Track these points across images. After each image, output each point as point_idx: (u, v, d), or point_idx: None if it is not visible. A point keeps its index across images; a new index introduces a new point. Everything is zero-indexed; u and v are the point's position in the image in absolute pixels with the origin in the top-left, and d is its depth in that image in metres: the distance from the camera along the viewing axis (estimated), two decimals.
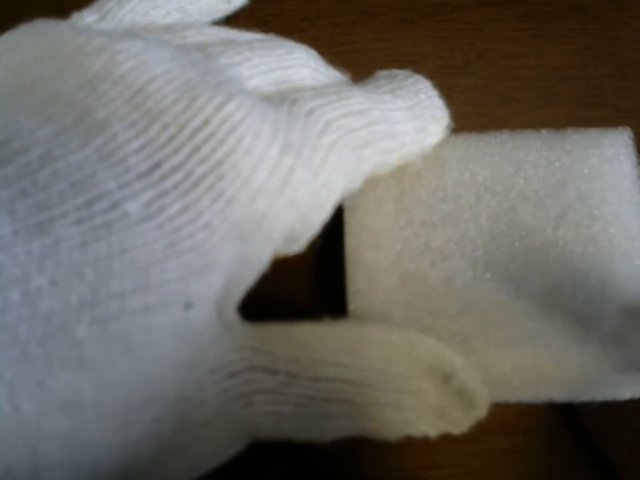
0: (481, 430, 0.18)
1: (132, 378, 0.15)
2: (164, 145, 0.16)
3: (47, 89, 0.16)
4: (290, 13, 0.28)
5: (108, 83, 0.16)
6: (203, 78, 0.17)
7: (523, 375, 0.20)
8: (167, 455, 0.16)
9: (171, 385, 0.16)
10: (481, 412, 0.18)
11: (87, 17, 0.20)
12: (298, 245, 0.19)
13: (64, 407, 0.14)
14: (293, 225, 0.18)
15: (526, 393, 0.20)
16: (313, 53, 0.21)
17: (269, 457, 0.20)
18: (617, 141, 0.22)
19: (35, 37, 0.18)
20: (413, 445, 0.19)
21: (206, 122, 0.16)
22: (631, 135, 0.23)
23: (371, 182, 0.21)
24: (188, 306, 0.15)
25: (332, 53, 0.21)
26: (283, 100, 0.18)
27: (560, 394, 0.20)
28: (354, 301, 0.21)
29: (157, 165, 0.15)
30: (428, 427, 0.18)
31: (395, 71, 0.22)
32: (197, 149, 0.16)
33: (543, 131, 0.23)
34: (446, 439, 0.18)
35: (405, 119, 0.21)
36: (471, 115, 0.26)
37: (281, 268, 0.19)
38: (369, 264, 0.21)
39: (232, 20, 0.23)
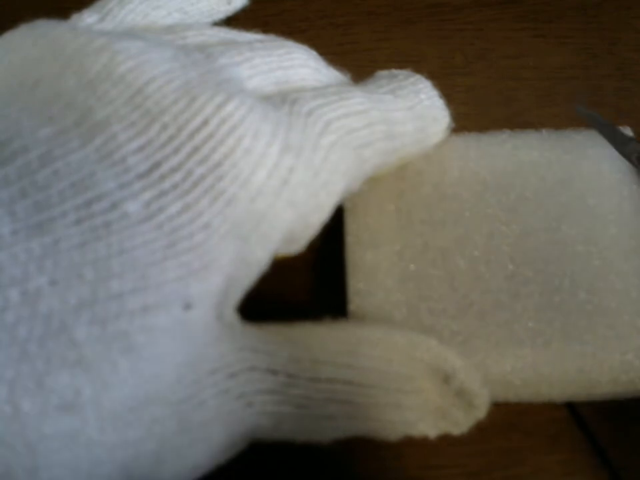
0: (480, 430, 0.18)
1: (131, 378, 0.15)
2: (164, 145, 0.16)
3: (47, 89, 0.16)
4: (290, 13, 0.28)
5: (108, 83, 0.16)
6: (203, 78, 0.17)
7: (523, 374, 0.20)
8: (166, 455, 0.16)
9: (170, 385, 0.16)
10: (481, 412, 0.18)
11: (87, 18, 0.20)
12: (298, 245, 0.19)
13: (63, 407, 0.14)
14: (292, 225, 0.18)
15: (526, 392, 0.20)
16: (313, 53, 0.21)
17: (269, 457, 0.20)
18: None
19: (36, 37, 0.18)
20: (413, 445, 0.19)
21: (205, 122, 0.16)
22: (631, 134, 0.23)
23: (371, 182, 0.21)
24: (187, 306, 0.15)
25: (332, 53, 0.21)
26: (283, 100, 0.18)
27: (560, 394, 0.20)
28: (354, 300, 0.21)
29: (157, 165, 0.15)
30: (428, 427, 0.18)
31: (395, 71, 0.22)
32: (196, 149, 0.16)
33: (543, 131, 0.23)
34: (446, 439, 0.19)
35: (405, 119, 0.21)
36: (471, 114, 0.26)
37: (280, 268, 0.19)
38: (369, 264, 0.21)
39: (232, 20, 0.23)
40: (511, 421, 0.21)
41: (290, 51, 0.20)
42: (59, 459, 0.14)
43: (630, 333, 0.20)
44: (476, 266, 0.21)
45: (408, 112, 0.21)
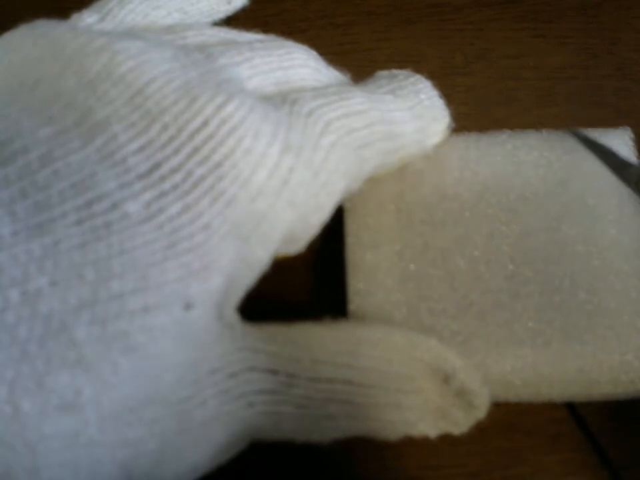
0: (480, 430, 0.19)
1: (132, 378, 0.15)
2: (164, 145, 0.16)
3: (47, 90, 0.16)
4: (290, 13, 0.28)
5: (108, 83, 0.16)
6: (203, 78, 0.17)
7: (523, 374, 0.20)
8: (167, 455, 0.16)
9: (170, 385, 0.16)
10: (481, 412, 0.18)
11: (87, 18, 0.20)
12: (298, 245, 0.19)
13: (63, 407, 0.14)
14: (293, 225, 0.18)
15: (526, 392, 0.20)
16: (313, 53, 0.21)
17: (269, 457, 0.20)
18: (617, 141, 0.22)
19: (36, 37, 0.18)
20: (413, 445, 0.19)
21: (206, 122, 0.16)
22: (631, 134, 0.23)
23: (371, 182, 0.21)
24: (188, 306, 0.15)
25: (332, 53, 0.21)
26: (283, 100, 0.18)
27: (560, 394, 0.20)
28: (354, 300, 0.21)
29: (157, 166, 0.15)
30: (428, 427, 0.18)
31: (395, 71, 0.22)
32: (196, 149, 0.16)
33: (543, 131, 0.23)
34: (446, 439, 0.19)
35: (405, 119, 0.21)
36: (471, 114, 0.26)
37: (280, 268, 0.19)
38: (369, 264, 0.21)
39: (232, 20, 0.23)
40: (510, 421, 0.21)
41: (290, 51, 0.20)
42: (59, 459, 0.14)
43: (630, 333, 0.20)
44: (476, 266, 0.21)
45: (408, 112, 0.21)
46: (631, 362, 0.20)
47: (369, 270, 0.21)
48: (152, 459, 0.16)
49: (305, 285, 0.23)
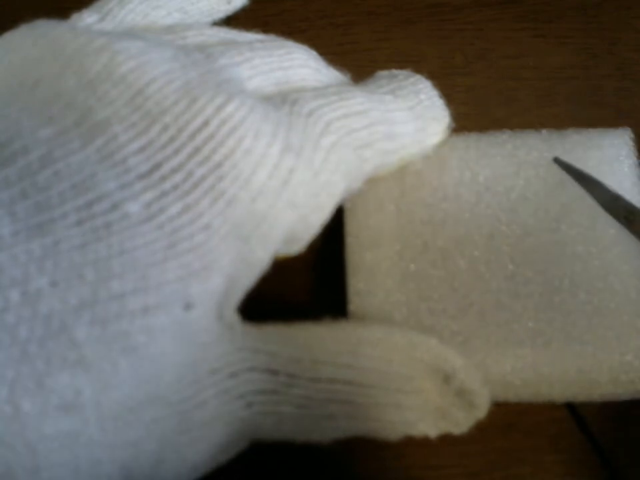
0: (481, 430, 0.19)
1: (132, 378, 0.15)
2: (164, 145, 0.16)
3: (47, 90, 0.16)
4: (290, 13, 0.28)
5: (108, 83, 0.16)
6: (203, 78, 0.17)
7: (523, 374, 0.20)
8: (167, 455, 0.16)
9: (170, 386, 0.16)
10: (482, 412, 0.18)
11: (87, 18, 0.20)
12: (298, 246, 0.19)
13: (64, 407, 0.14)
14: (293, 225, 0.18)
15: (526, 392, 0.20)
16: (313, 53, 0.21)
17: (269, 457, 0.20)
18: (617, 141, 0.22)
19: (36, 37, 0.18)
20: (412, 445, 0.19)
21: (206, 123, 0.16)
22: (631, 135, 0.23)
23: (372, 182, 0.21)
24: (188, 307, 0.15)
25: (332, 53, 0.21)
26: (283, 100, 0.18)
27: (560, 394, 0.20)
28: (354, 301, 0.21)
29: (157, 166, 0.15)
30: (428, 427, 0.18)
31: (395, 71, 0.22)
32: (197, 149, 0.16)
33: (543, 131, 0.23)
34: (446, 439, 0.19)
35: (405, 119, 0.21)
36: (471, 114, 0.26)
37: (280, 268, 0.19)
38: (369, 264, 0.21)
39: (232, 20, 0.23)
40: (510, 421, 0.21)
41: (290, 51, 0.20)
42: (59, 459, 0.14)
43: (630, 333, 0.20)
44: (476, 266, 0.21)
45: (408, 112, 0.21)
46: (631, 362, 0.20)
47: (368, 270, 0.21)
48: (152, 458, 0.16)
49: (305, 285, 0.23)
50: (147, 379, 0.15)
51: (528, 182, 0.22)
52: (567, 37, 0.27)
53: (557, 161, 0.21)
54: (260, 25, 0.21)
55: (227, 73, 0.18)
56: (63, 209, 0.14)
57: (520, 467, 0.21)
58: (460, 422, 0.18)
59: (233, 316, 0.17)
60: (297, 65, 0.20)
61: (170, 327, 0.15)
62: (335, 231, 0.22)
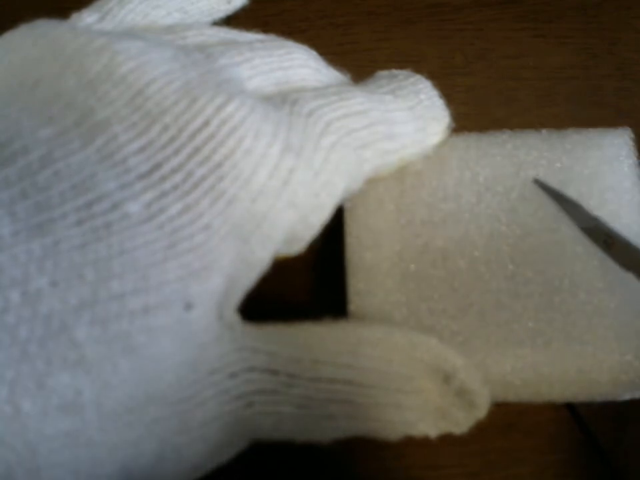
0: (480, 430, 0.18)
1: (132, 378, 0.15)
2: (164, 145, 0.16)
3: (47, 90, 0.16)
4: (290, 13, 0.28)
5: (108, 83, 0.16)
6: (203, 78, 0.17)
7: (523, 374, 0.20)
8: (167, 455, 0.16)
9: (170, 386, 0.16)
10: (482, 412, 0.18)
11: (87, 17, 0.20)
12: (299, 246, 0.19)
13: (64, 407, 0.14)
14: (293, 225, 0.18)
15: (526, 392, 0.20)
16: (313, 53, 0.21)
17: (269, 457, 0.20)
18: (617, 141, 0.22)
19: (36, 37, 0.18)
20: (412, 445, 0.19)
21: (206, 123, 0.16)
22: (631, 134, 0.23)
23: (372, 182, 0.21)
24: (188, 307, 0.15)
25: (332, 53, 0.21)
26: (283, 100, 0.18)
27: (560, 394, 0.20)
28: (354, 300, 0.21)
29: (158, 166, 0.15)
30: (429, 427, 0.18)
31: (395, 71, 0.22)
32: (197, 149, 0.16)
33: (543, 131, 0.23)
34: (446, 439, 0.19)
35: (405, 119, 0.21)
36: (471, 114, 0.26)
37: (281, 268, 0.19)
38: (369, 264, 0.21)
39: (232, 20, 0.23)
40: (510, 421, 0.21)
41: (290, 51, 0.20)
42: (59, 459, 0.14)
43: (630, 333, 0.20)
44: (476, 266, 0.21)
45: (408, 112, 0.21)
46: (631, 362, 0.20)
47: (368, 270, 0.21)
48: (152, 459, 0.16)
49: (305, 285, 0.23)
50: (147, 378, 0.15)
51: (528, 182, 0.22)
52: (567, 36, 0.27)
53: (537, 181, 0.21)
54: (260, 25, 0.21)
55: (227, 73, 0.18)
56: (63, 208, 0.14)
57: (520, 467, 0.21)
58: (460, 422, 0.18)
59: (233, 316, 0.17)
60: (297, 64, 0.20)
61: (170, 327, 0.15)
62: (335, 231, 0.22)
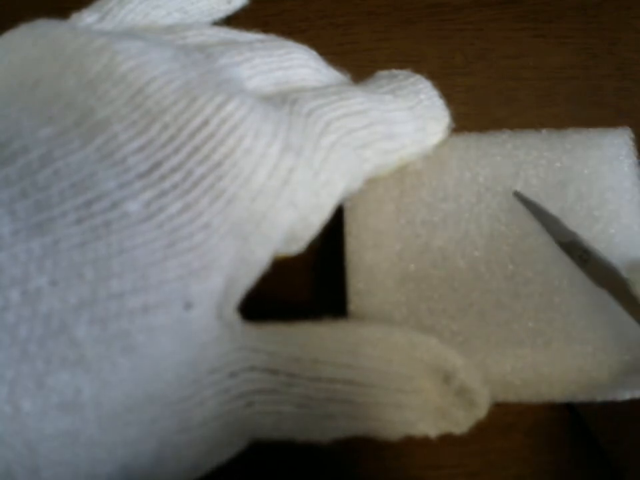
0: (480, 430, 0.18)
1: (131, 377, 0.15)
2: (164, 144, 0.16)
3: (47, 89, 0.16)
4: (290, 13, 0.28)
5: (108, 83, 0.16)
6: (203, 78, 0.17)
7: (523, 374, 0.20)
8: (166, 455, 0.16)
9: (170, 385, 0.16)
10: (482, 411, 0.18)
11: (87, 17, 0.20)
12: (298, 245, 0.19)
13: (63, 407, 0.14)
14: (293, 225, 0.18)
15: (526, 392, 0.20)
16: (313, 53, 0.21)
17: (269, 457, 0.20)
18: (617, 140, 0.22)
19: (36, 37, 0.18)
20: (412, 445, 0.19)
21: (206, 122, 0.16)
22: (631, 134, 0.23)
23: (371, 182, 0.21)
24: (188, 306, 0.15)
25: (332, 53, 0.21)
26: (283, 100, 0.18)
27: (560, 394, 0.20)
28: (354, 300, 0.21)
29: (157, 165, 0.15)
30: (429, 426, 0.18)
31: (395, 71, 0.22)
32: (196, 148, 0.16)
33: (543, 131, 0.23)
34: (446, 439, 0.19)
35: (405, 119, 0.21)
36: (471, 114, 0.26)
37: (280, 268, 0.19)
38: (369, 264, 0.21)
39: (232, 20, 0.23)
40: (510, 421, 0.21)
41: (290, 51, 0.20)
42: (59, 458, 0.14)
43: (629, 333, 0.20)
44: (476, 266, 0.21)
45: (408, 112, 0.21)
46: (631, 362, 0.20)
47: (368, 270, 0.21)
48: (151, 458, 0.16)
49: (305, 285, 0.23)
50: (147, 378, 0.15)
51: (528, 182, 0.22)
52: (567, 36, 0.27)
53: (516, 194, 0.21)
54: (260, 25, 0.21)
55: (226, 72, 0.18)
56: (63, 207, 0.14)
57: (520, 467, 0.21)
58: (460, 422, 0.18)
59: (232, 315, 0.17)
60: (297, 64, 0.20)
61: (170, 326, 0.15)
62: (335, 231, 0.22)
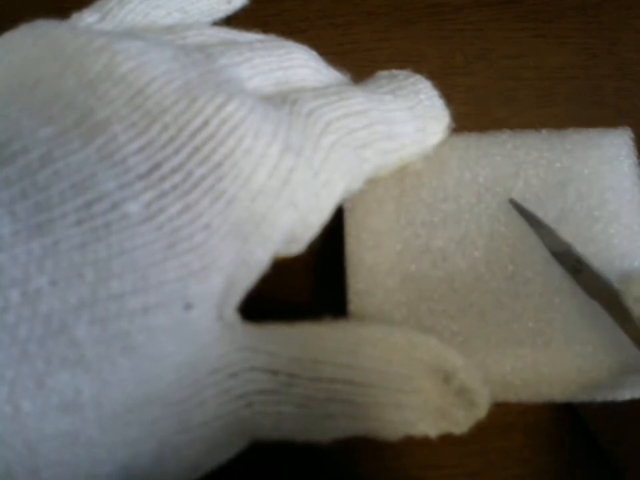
0: (480, 430, 0.19)
1: (131, 378, 0.15)
2: (164, 145, 0.16)
3: (47, 90, 0.16)
4: (290, 13, 0.28)
5: (108, 83, 0.16)
6: (203, 78, 0.17)
7: (523, 374, 0.20)
8: (166, 455, 0.16)
9: (170, 385, 0.16)
10: (482, 411, 0.18)
11: (87, 17, 0.20)
12: (298, 246, 0.19)
13: (63, 407, 0.14)
14: (293, 225, 0.18)
15: (526, 392, 0.20)
16: (313, 53, 0.21)
17: (269, 457, 0.20)
18: (617, 140, 0.22)
19: (36, 38, 0.18)
20: (412, 445, 0.19)
21: (206, 122, 0.16)
22: (631, 134, 0.23)
23: (371, 182, 0.21)
24: (188, 306, 0.15)
25: (332, 53, 0.21)
26: (283, 100, 0.18)
27: (560, 394, 0.20)
28: (354, 301, 0.21)
29: (157, 166, 0.15)
30: (429, 426, 0.18)
31: (395, 71, 0.22)
32: (197, 149, 0.16)
33: (543, 131, 0.23)
34: (446, 439, 0.19)
35: (405, 119, 0.21)
36: (471, 114, 0.26)
37: (281, 268, 0.19)
38: (369, 264, 0.21)
39: (232, 20, 0.23)
40: (510, 421, 0.21)
41: (290, 51, 0.20)
42: (59, 458, 0.14)
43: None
44: (476, 266, 0.21)
45: (408, 112, 0.21)
46: (631, 362, 0.20)
47: (368, 270, 0.21)
48: (151, 458, 0.16)
49: (306, 285, 0.23)
50: (147, 378, 0.15)
51: (528, 182, 0.22)
52: (567, 36, 0.27)
53: (512, 202, 0.21)
54: (260, 25, 0.21)
55: (227, 72, 0.18)
56: (63, 208, 0.14)
57: (520, 467, 0.21)
58: (460, 421, 0.18)
59: (233, 316, 0.17)
60: (297, 65, 0.20)
61: (170, 327, 0.15)
62: (335, 231, 0.22)
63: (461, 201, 0.22)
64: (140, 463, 0.16)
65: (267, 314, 0.18)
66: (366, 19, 0.28)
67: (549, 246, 0.21)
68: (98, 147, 0.15)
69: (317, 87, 0.20)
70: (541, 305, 0.20)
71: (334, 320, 0.19)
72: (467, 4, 0.28)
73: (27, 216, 0.14)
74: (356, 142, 0.19)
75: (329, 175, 0.18)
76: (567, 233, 0.21)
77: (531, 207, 0.22)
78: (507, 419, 0.21)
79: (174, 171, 0.15)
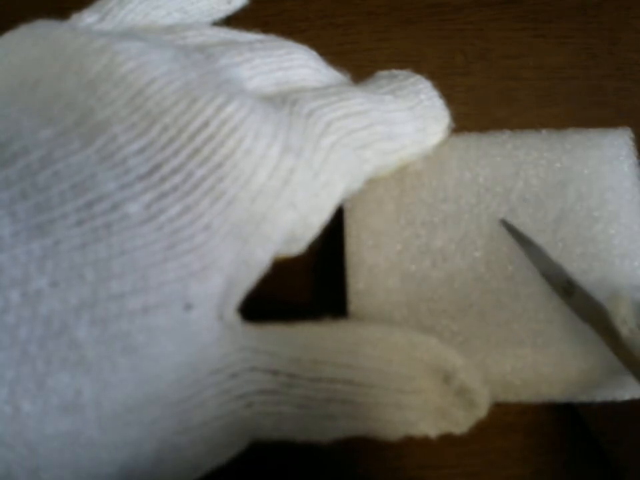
0: (480, 430, 0.19)
1: (132, 378, 0.15)
2: (164, 146, 0.16)
3: (47, 90, 0.16)
4: (290, 13, 0.28)
5: (108, 83, 0.16)
6: (203, 79, 0.17)
7: (523, 374, 0.20)
8: (167, 456, 0.16)
9: (170, 386, 0.16)
10: (482, 411, 0.18)
11: (87, 18, 0.20)
12: (298, 246, 0.19)
13: (64, 407, 0.14)
14: (293, 225, 0.18)
15: (526, 392, 0.20)
16: (313, 53, 0.21)
17: (269, 457, 0.20)
18: (617, 141, 0.22)
19: (36, 38, 0.18)
20: (412, 445, 0.19)
21: (206, 123, 0.16)
22: (631, 134, 0.23)
23: (372, 182, 0.21)
24: (188, 307, 0.15)
25: (332, 53, 0.21)
26: (283, 101, 0.18)
27: (560, 394, 0.20)
28: (354, 301, 0.21)
29: (157, 167, 0.15)
30: (429, 426, 0.18)
31: (395, 71, 0.22)
32: (197, 150, 0.16)
33: (543, 131, 0.23)
34: (446, 439, 0.19)
35: (405, 119, 0.21)
36: (471, 114, 0.26)
37: (281, 268, 0.19)
38: (369, 264, 0.21)
39: (232, 20, 0.23)
40: (510, 421, 0.21)
41: (290, 51, 0.20)
42: (59, 459, 0.14)
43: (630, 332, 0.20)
44: (476, 267, 0.21)
45: (408, 112, 0.21)
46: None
47: (368, 270, 0.21)
48: (152, 459, 0.16)
49: (306, 285, 0.23)
50: (147, 378, 0.15)
51: (528, 183, 0.22)
52: (567, 36, 0.27)
53: (503, 222, 0.21)
54: (260, 25, 0.21)
55: (227, 73, 0.18)
56: (63, 209, 0.14)
57: (520, 467, 0.21)
58: (460, 421, 0.18)
59: (233, 316, 0.17)
60: (297, 65, 0.20)
61: (170, 327, 0.15)
62: (334, 231, 0.22)
63: (460, 201, 0.22)
64: (140, 463, 0.16)
65: (267, 314, 0.18)
66: (366, 19, 0.28)
67: (540, 267, 0.20)
68: (98, 147, 0.15)
69: (317, 87, 0.20)
70: (541, 305, 0.20)
71: (334, 320, 0.19)
72: (467, 4, 0.28)
73: (27, 216, 0.14)
74: (356, 142, 0.19)
75: (328, 176, 0.18)
76: (567, 233, 0.21)
77: (531, 207, 0.22)
78: (507, 418, 0.21)
79: (174, 171, 0.15)
